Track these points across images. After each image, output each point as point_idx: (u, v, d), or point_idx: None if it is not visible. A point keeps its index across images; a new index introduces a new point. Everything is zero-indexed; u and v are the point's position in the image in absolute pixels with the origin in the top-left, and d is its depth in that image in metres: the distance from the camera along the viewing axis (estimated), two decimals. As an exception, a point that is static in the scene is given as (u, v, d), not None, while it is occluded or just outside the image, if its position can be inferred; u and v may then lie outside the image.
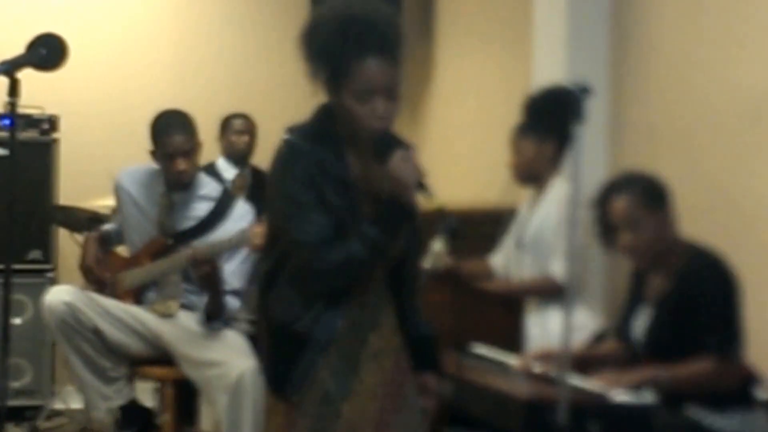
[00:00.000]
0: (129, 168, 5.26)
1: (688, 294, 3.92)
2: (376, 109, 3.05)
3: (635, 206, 3.97)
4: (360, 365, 3.15)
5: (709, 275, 3.92)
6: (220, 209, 5.11)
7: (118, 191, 5.23)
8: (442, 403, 3.40)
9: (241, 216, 5.11)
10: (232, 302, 5.00)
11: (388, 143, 3.07)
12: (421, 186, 3.05)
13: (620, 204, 3.99)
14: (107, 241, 5.29)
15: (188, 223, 5.09)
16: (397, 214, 3.06)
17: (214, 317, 4.95)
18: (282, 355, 3.15)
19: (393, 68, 3.07)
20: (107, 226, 5.36)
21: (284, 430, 3.16)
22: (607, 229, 4.07)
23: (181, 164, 5.00)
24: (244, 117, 7.10)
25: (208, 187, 5.21)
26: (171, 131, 5.02)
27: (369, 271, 3.12)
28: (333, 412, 3.11)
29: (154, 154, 5.07)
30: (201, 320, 4.95)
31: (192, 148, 5.05)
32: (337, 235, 3.05)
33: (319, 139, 3.11)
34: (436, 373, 3.35)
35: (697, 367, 3.86)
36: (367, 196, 3.12)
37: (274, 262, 3.17)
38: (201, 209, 5.11)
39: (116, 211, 5.29)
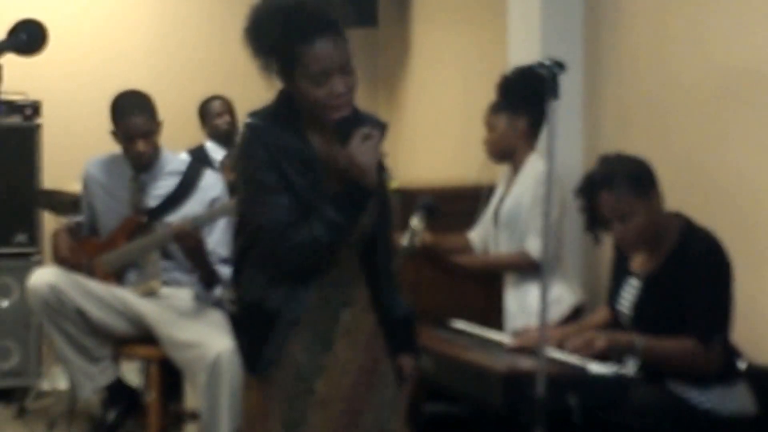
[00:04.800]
0: (94, 158, 5.28)
1: (679, 273, 3.91)
2: (335, 89, 3.05)
3: (623, 200, 3.93)
4: (333, 341, 3.17)
5: (701, 256, 3.90)
6: (188, 182, 5.15)
7: (87, 182, 5.24)
8: (422, 379, 3.41)
9: (211, 185, 5.17)
10: (225, 270, 5.00)
11: (349, 124, 3.07)
12: (380, 167, 3.08)
13: (608, 199, 3.96)
14: (78, 232, 5.28)
15: (159, 200, 5.12)
16: (356, 197, 3.06)
17: (211, 285, 5.01)
18: (254, 334, 3.18)
19: (341, 44, 3.06)
20: (77, 218, 5.35)
21: (261, 408, 3.18)
22: (596, 221, 4.06)
23: (141, 145, 5.03)
24: (220, 98, 7.14)
25: (174, 163, 5.24)
26: (130, 113, 5.03)
27: (333, 252, 3.13)
28: (306, 389, 3.14)
29: (116, 134, 5.10)
30: (199, 292, 5.01)
31: (152, 129, 5.07)
32: (304, 216, 3.06)
33: (280, 121, 3.12)
34: (412, 356, 3.36)
35: (675, 345, 3.86)
36: (332, 175, 3.11)
37: (244, 244, 3.20)
38: (169, 185, 5.14)
39: (88, 203, 5.29)
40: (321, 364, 3.15)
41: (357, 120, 3.09)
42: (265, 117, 3.15)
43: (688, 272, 3.89)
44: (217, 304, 5.09)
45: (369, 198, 3.08)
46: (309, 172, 3.09)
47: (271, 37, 3.06)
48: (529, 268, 4.90)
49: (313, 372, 3.14)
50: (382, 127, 3.16)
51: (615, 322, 4.18)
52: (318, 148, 3.14)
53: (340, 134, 3.07)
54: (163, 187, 5.14)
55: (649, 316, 4.01)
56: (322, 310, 3.16)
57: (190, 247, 4.89)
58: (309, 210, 3.06)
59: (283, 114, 3.14)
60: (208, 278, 5.02)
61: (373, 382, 3.22)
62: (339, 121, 3.07)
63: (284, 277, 3.12)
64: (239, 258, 3.21)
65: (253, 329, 3.18)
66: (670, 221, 4.03)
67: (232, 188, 5.23)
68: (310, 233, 3.04)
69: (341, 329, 3.19)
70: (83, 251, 5.16)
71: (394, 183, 3.13)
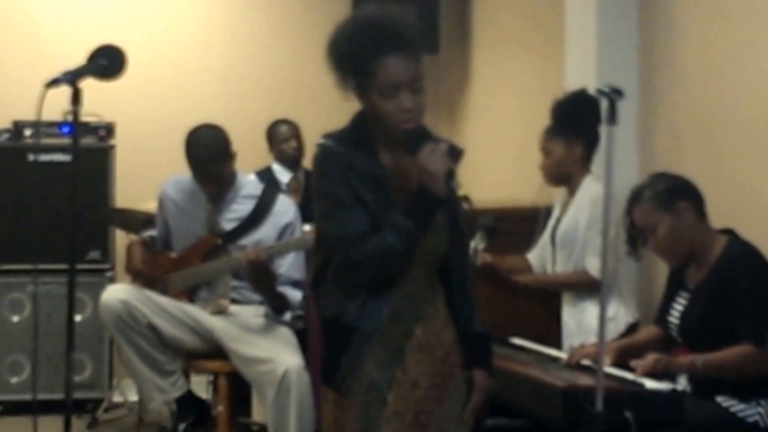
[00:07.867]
0: (172, 178, 5.39)
1: (723, 281, 4.04)
2: (403, 103, 3.16)
3: (647, 214, 4.16)
4: (404, 356, 3.23)
5: (744, 263, 4.03)
6: (262, 206, 5.23)
7: (164, 201, 5.34)
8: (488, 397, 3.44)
9: (284, 211, 5.24)
10: (295, 294, 5.13)
11: (419, 138, 3.17)
12: (449, 176, 3.17)
13: (637, 214, 4.20)
14: (152, 246, 5.39)
15: (234, 223, 5.21)
16: (426, 203, 3.15)
17: (281, 311, 5.10)
18: (332, 347, 3.26)
19: (412, 62, 3.19)
20: (150, 232, 5.45)
21: (336, 417, 3.25)
22: (635, 236, 4.27)
23: (210, 189, 5.16)
24: (288, 123, 7.21)
25: (250, 186, 5.34)
26: (202, 158, 5.13)
27: (404, 260, 3.19)
28: (379, 400, 3.20)
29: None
30: (269, 314, 5.09)
31: (223, 173, 5.16)
32: (374, 231, 3.15)
33: (351, 142, 3.24)
34: (485, 371, 3.40)
35: (731, 354, 3.96)
36: (401, 192, 3.21)
37: (322, 260, 3.28)
38: (244, 209, 5.23)
39: (163, 220, 5.40)
40: (392, 378, 3.22)
41: (427, 136, 3.21)
42: (337, 138, 3.27)
43: (730, 280, 4.02)
44: (286, 322, 5.19)
45: (438, 205, 3.18)
46: (379, 190, 3.20)
47: (349, 52, 3.19)
48: (589, 287, 4.96)
49: (385, 384, 3.21)
50: (459, 153, 3.28)
51: (666, 336, 4.30)
52: (388, 167, 3.25)
53: (410, 145, 3.19)
54: (238, 210, 5.24)
55: (695, 324, 4.14)
56: (395, 325, 3.23)
57: (259, 277, 4.97)
58: (380, 226, 3.16)
59: (355, 135, 3.28)
60: (276, 305, 5.10)
61: (442, 397, 3.28)
62: (410, 132, 3.20)
63: (359, 291, 3.20)
64: (318, 274, 3.30)
65: (331, 343, 3.27)
66: (715, 236, 4.18)
67: (301, 210, 5.37)
68: (382, 241, 3.14)
69: (413, 344, 3.25)
70: (157, 265, 5.27)
71: (462, 191, 3.23)
